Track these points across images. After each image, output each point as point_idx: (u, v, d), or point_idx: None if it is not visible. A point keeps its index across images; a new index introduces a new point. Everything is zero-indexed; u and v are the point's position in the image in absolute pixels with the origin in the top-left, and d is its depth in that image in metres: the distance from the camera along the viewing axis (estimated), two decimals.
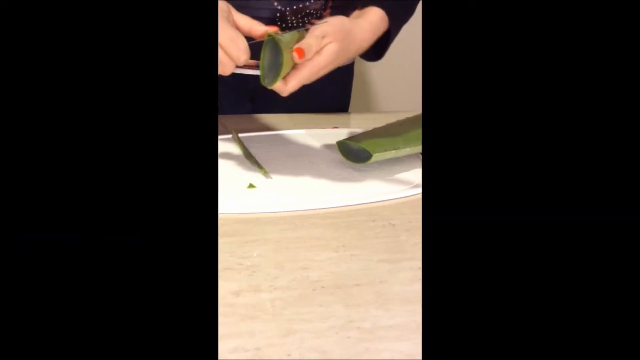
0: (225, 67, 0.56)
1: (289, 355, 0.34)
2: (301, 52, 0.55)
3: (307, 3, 0.75)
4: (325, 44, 0.58)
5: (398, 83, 1.44)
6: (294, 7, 0.74)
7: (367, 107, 1.48)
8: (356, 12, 0.66)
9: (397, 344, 0.35)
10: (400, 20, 0.69)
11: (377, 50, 0.69)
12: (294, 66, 0.57)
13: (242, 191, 0.56)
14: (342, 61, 0.62)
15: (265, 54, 0.55)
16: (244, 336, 0.36)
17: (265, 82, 0.56)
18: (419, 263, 0.44)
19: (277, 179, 0.59)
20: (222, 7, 0.58)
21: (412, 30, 0.97)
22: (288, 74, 0.56)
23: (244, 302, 0.39)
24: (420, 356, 0.34)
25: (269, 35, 0.55)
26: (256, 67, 0.57)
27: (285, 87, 0.56)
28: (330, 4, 0.76)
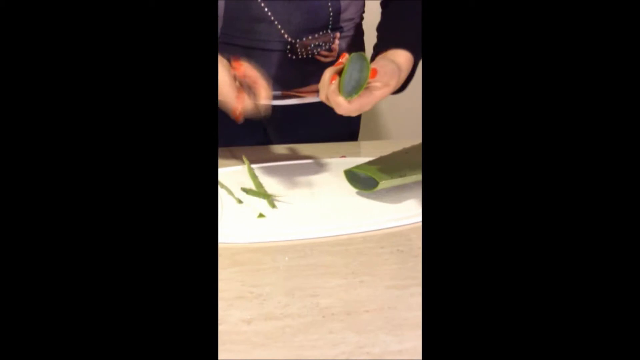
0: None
1: None
2: (375, 73, 0.58)
3: (317, 35, 0.77)
4: (388, 80, 0.61)
5: (407, 111, 1.46)
6: (304, 39, 0.76)
7: (377, 135, 1.50)
8: (390, 53, 0.67)
9: None
10: (420, 57, 0.71)
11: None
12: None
13: (252, 220, 0.57)
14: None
15: (349, 69, 0.57)
16: None
17: (345, 95, 0.58)
18: None
19: (286, 208, 0.60)
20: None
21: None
22: None
23: (255, 330, 0.40)
24: None
25: (355, 54, 0.57)
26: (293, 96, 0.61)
27: (348, 105, 0.59)
28: (338, 35, 0.79)
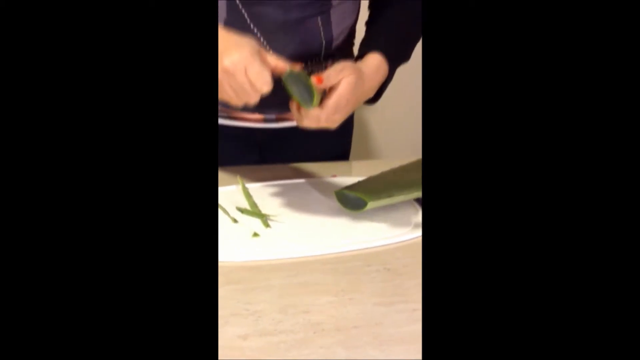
0: (251, 97, 0.62)
1: None
2: (320, 79, 0.63)
3: (309, 63, 0.80)
4: (343, 76, 0.64)
5: (397, 130, 1.50)
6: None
7: (368, 154, 1.53)
8: (361, 60, 0.72)
9: None
10: (396, 63, 0.74)
11: (375, 93, 0.74)
12: (322, 97, 0.64)
13: (247, 240, 0.60)
14: (358, 99, 0.68)
15: (292, 87, 0.63)
16: None
17: (307, 106, 0.63)
18: (412, 305, 0.48)
19: (280, 228, 0.63)
20: (253, 44, 0.63)
21: (412, 77, 1.02)
22: (321, 100, 0.64)
23: (250, 346, 0.42)
24: None
25: (287, 71, 0.63)
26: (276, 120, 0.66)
27: (324, 110, 0.63)
28: (330, 63, 0.82)
